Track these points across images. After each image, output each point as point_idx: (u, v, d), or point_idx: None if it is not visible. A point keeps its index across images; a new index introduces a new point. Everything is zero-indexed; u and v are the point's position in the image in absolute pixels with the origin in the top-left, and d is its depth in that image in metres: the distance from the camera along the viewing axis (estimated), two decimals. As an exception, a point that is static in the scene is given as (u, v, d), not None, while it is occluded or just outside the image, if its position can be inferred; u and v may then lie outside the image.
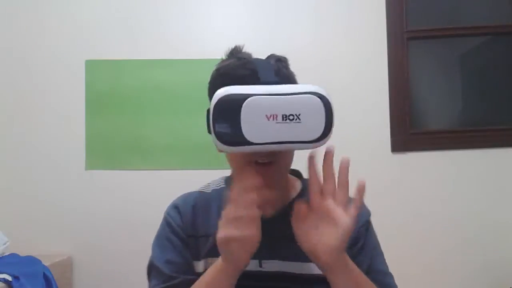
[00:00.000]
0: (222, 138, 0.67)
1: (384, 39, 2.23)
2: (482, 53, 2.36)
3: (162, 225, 0.88)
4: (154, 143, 2.20)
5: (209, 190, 0.90)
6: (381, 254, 0.90)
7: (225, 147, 0.68)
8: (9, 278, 1.67)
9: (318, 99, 0.68)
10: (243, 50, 0.83)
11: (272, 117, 0.66)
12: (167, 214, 0.88)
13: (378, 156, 2.20)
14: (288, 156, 0.80)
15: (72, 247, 2.17)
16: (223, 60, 0.82)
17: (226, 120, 0.67)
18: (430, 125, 2.33)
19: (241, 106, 0.66)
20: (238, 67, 0.76)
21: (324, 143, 0.69)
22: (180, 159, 2.19)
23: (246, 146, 0.67)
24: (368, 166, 2.19)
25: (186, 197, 0.90)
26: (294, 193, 0.86)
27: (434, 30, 2.31)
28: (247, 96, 0.66)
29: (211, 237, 0.81)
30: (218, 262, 0.73)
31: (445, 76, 2.40)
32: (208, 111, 0.69)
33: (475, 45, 2.36)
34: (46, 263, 1.90)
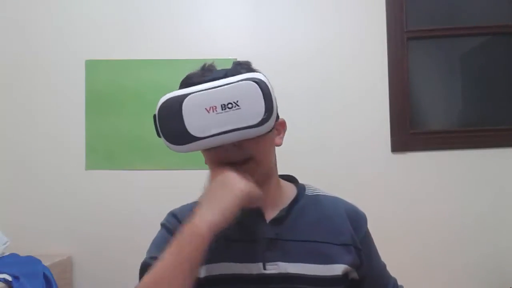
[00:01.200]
0: (170, 139, 0.71)
1: (384, 39, 2.23)
2: (482, 53, 2.36)
3: (159, 232, 0.88)
4: (154, 143, 2.19)
5: None
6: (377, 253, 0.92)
7: (175, 147, 0.71)
8: (9, 278, 1.67)
9: (254, 84, 0.70)
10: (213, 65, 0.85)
11: (211, 109, 0.69)
12: (165, 220, 0.88)
13: (378, 156, 2.19)
14: (262, 146, 0.78)
15: (72, 247, 2.17)
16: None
17: (170, 122, 0.71)
18: (430, 125, 2.33)
19: (181, 106, 0.70)
20: (198, 76, 0.80)
21: (269, 127, 0.71)
22: (180, 159, 2.19)
23: (194, 143, 0.70)
24: (368, 166, 2.19)
25: (183, 206, 0.90)
26: (290, 197, 0.87)
27: (434, 30, 2.31)
28: (185, 96, 0.71)
29: (212, 243, 0.80)
30: (186, 230, 0.68)
31: (445, 76, 2.40)
32: (155, 116, 0.72)
33: (475, 45, 2.36)
34: (46, 263, 1.89)
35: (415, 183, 2.19)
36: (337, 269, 0.79)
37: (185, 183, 2.16)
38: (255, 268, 0.78)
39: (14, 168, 2.22)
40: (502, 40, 2.36)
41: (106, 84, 2.23)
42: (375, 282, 0.87)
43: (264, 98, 0.69)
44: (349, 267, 0.81)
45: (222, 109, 0.69)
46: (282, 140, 0.86)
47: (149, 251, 0.85)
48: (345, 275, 0.81)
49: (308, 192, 0.89)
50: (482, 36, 2.34)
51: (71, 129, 2.22)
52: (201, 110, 0.69)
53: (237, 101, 0.69)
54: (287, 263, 0.79)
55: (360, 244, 0.84)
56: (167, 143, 0.71)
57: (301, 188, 0.89)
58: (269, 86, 0.70)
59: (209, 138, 0.69)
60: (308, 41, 2.22)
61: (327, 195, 0.91)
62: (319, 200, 0.88)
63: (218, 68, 0.81)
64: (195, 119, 0.69)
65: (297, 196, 0.87)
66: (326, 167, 2.16)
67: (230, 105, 0.69)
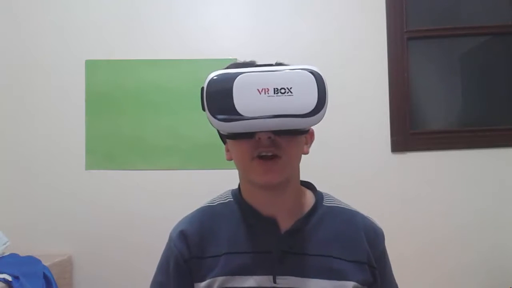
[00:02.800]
0: (216, 114, 0.68)
1: (384, 39, 2.23)
2: (482, 53, 2.36)
3: (165, 248, 0.86)
4: (154, 143, 2.20)
5: (214, 203, 0.87)
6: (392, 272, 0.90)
7: (219, 124, 0.69)
8: (9, 278, 1.67)
9: (310, 74, 0.70)
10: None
11: (264, 90, 0.68)
12: (171, 239, 0.84)
13: (378, 156, 2.19)
14: (292, 149, 0.76)
15: (72, 247, 2.17)
16: None
17: (218, 97, 0.68)
18: (430, 125, 2.33)
19: (233, 82, 0.68)
20: (238, 65, 0.78)
21: (319, 119, 0.69)
22: (180, 159, 2.19)
23: (240, 122, 0.67)
24: (368, 166, 2.19)
25: (190, 219, 0.86)
26: (307, 206, 0.83)
27: (434, 30, 2.31)
28: (238, 73, 0.69)
29: (222, 255, 0.78)
30: None
31: (445, 76, 2.40)
32: (202, 89, 0.70)
33: (475, 45, 2.36)
34: (46, 263, 1.89)
35: (415, 183, 2.19)
36: (348, 286, 0.77)
37: (185, 183, 2.17)
38: (265, 282, 0.75)
39: (14, 168, 2.22)
40: (502, 40, 2.36)
41: (106, 84, 2.23)
42: None
43: (318, 90, 0.69)
44: (360, 285, 0.78)
45: (275, 92, 0.67)
46: (309, 149, 0.83)
47: (155, 275, 0.85)
48: None
49: (326, 202, 0.86)
50: (482, 36, 2.33)
51: (71, 129, 2.22)
52: (253, 89, 0.68)
53: (291, 88, 0.68)
54: (298, 278, 0.76)
55: (376, 263, 0.81)
56: (212, 118, 0.69)
57: (319, 197, 0.86)
58: (324, 79, 0.70)
59: (256, 120, 0.67)
60: (308, 41, 2.23)
61: (345, 208, 0.87)
62: (336, 213, 0.84)
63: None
64: (245, 98, 0.67)
65: (315, 206, 0.83)
66: (326, 167, 2.16)
67: (283, 90, 0.68)
